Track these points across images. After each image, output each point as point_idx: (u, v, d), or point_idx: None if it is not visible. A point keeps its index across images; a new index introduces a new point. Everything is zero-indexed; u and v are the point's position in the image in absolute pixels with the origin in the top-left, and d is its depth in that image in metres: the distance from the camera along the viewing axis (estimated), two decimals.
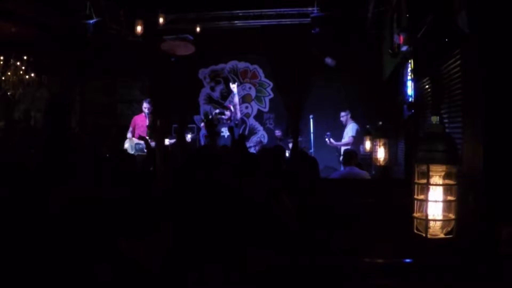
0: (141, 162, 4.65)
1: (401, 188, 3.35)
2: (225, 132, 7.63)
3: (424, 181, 2.18)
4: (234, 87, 7.61)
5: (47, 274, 1.82)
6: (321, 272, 2.11)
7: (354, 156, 5.23)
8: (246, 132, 9.45)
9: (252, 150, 8.84)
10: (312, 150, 7.79)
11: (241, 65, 9.67)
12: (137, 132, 6.97)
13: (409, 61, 5.21)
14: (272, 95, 9.51)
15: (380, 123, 5.98)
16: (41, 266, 1.84)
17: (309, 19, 7.70)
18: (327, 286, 2.11)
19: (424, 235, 2.18)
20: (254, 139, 9.40)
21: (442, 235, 2.18)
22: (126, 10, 7.50)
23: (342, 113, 7.84)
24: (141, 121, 7.14)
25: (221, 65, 9.71)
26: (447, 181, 2.18)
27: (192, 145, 8.14)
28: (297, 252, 2.16)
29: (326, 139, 7.72)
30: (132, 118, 7.46)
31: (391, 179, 5.82)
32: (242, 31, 8.47)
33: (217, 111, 7.69)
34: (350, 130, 7.64)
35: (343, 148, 7.44)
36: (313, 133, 7.98)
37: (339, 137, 7.84)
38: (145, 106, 7.11)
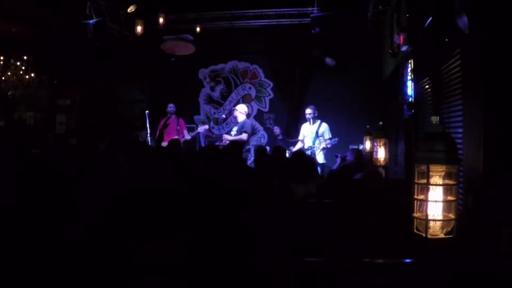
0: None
1: (401, 188, 3.36)
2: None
3: (424, 181, 2.17)
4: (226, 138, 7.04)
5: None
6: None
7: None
8: None
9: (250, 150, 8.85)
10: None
11: (241, 65, 9.66)
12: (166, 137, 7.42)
13: (409, 61, 5.20)
14: (272, 95, 9.51)
15: (380, 123, 5.98)
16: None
17: (309, 19, 7.70)
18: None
19: (424, 235, 2.17)
20: (254, 138, 9.39)
21: (442, 235, 2.18)
22: (126, 10, 7.50)
23: (309, 110, 6.92)
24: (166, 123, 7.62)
25: (221, 65, 9.71)
26: (447, 181, 2.17)
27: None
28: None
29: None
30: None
31: (391, 179, 5.82)
32: (242, 31, 8.48)
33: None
34: (326, 132, 6.92)
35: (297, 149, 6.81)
36: None
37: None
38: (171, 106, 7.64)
